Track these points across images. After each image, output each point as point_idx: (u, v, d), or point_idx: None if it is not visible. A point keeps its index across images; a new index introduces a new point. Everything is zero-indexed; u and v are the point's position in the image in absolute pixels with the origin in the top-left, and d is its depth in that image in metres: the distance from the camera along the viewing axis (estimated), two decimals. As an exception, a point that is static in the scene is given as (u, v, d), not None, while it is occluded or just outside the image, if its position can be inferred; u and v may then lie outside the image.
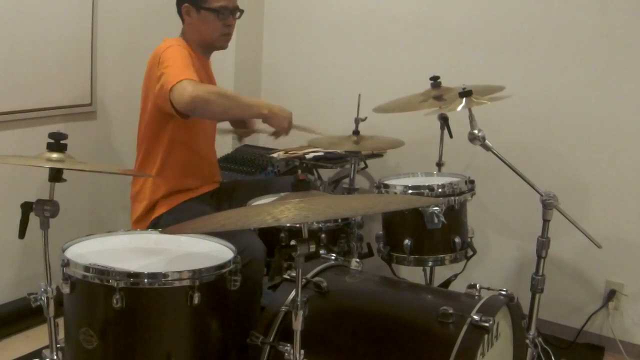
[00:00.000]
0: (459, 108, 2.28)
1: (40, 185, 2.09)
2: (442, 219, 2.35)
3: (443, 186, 2.42)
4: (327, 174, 3.37)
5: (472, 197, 2.50)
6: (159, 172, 2.43)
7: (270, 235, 2.39)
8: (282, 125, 2.45)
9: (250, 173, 3.18)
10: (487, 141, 2.22)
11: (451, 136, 2.79)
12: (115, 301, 1.65)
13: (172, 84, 2.16)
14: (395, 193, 2.45)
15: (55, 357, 1.79)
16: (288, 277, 1.95)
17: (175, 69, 2.22)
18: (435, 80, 2.74)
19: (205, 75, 2.52)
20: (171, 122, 2.39)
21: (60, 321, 1.81)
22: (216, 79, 2.69)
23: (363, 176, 3.41)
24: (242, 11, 2.52)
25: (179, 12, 2.50)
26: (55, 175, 1.76)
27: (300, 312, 1.57)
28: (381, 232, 2.54)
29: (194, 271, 1.72)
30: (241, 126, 2.84)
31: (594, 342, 3.01)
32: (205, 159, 2.57)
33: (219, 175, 2.71)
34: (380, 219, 2.57)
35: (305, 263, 1.61)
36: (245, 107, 2.41)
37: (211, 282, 1.75)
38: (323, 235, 2.49)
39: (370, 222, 2.91)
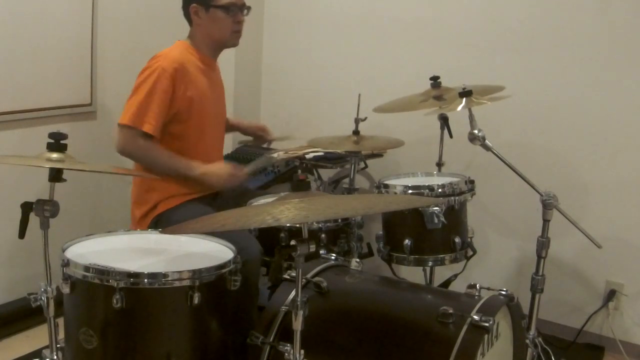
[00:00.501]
0: (459, 108, 2.28)
1: (40, 185, 2.09)
2: (442, 219, 2.35)
3: (443, 186, 2.42)
4: (327, 174, 3.37)
5: (472, 197, 2.50)
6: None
7: (270, 235, 2.39)
8: (218, 185, 2.45)
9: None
10: (487, 141, 2.22)
11: (451, 136, 2.79)
12: (115, 301, 1.65)
13: (125, 122, 2.32)
14: (395, 193, 2.45)
15: (55, 357, 1.80)
16: (288, 277, 1.95)
17: (132, 106, 2.31)
18: (435, 80, 2.74)
19: (207, 79, 2.49)
20: (169, 126, 2.39)
21: (60, 321, 1.81)
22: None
23: (363, 176, 3.41)
24: (249, 8, 2.52)
25: (187, 14, 2.49)
26: (55, 175, 1.76)
27: (300, 312, 1.57)
28: (381, 232, 2.54)
29: (194, 271, 1.72)
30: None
31: (594, 342, 3.01)
32: (208, 160, 2.54)
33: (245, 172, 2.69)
34: (380, 219, 2.57)
35: (305, 263, 1.60)
36: (169, 169, 2.38)
37: (211, 282, 1.75)
38: (323, 235, 2.49)
39: (370, 222, 2.91)
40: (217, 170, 2.42)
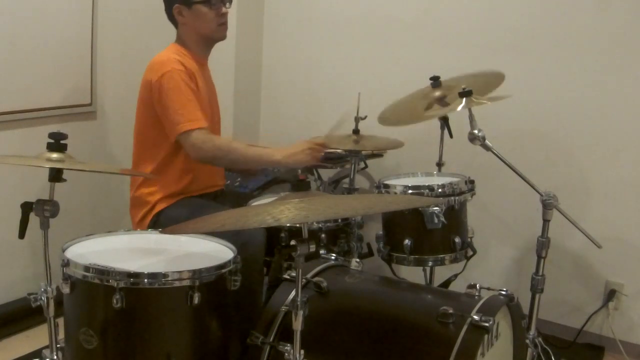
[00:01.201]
0: (459, 108, 2.27)
1: (40, 185, 2.09)
2: (442, 219, 2.35)
3: (443, 186, 2.42)
4: (327, 174, 3.37)
5: (472, 197, 2.50)
6: (156, 174, 2.42)
7: (270, 235, 2.39)
8: (304, 161, 2.40)
9: (250, 173, 3.17)
10: (487, 141, 2.22)
11: (451, 136, 2.78)
12: (115, 301, 1.65)
13: (184, 130, 2.28)
14: (395, 193, 2.45)
15: (55, 357, 1.80)
16: (288, 277, 1.95)
17: (184, 108, 2.29)
18: (435, 80, 2.74)
19: (202, 79, 2.49)
20: (161, 129, 2.40)
21: (60, 321, 1.81)
22: (217, 79, 2.69)
23: (363, 176, 3.41)
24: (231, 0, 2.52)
25: (170, 16, 2.49)
26: (55, 175, 1.76)
27: (300, 312, 1.57)
28: (381, 232, 2.54)
29: (194, 271, 1.72)
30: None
31: (594, 342, 3.01)
32: (204, 164, 2.54)
33: (222, 179, 2.69)
34: (380, 219, 2.57)
35: (305, 263, 1.60)
36: (252, 162, 2.41)
37: (211, 282, 1.75)
38: (323, 235, 2.49)
39: (370, 222, 2.91)
40: (295, 150, 2.38)
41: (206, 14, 2.44)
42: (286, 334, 1.77)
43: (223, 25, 2.50)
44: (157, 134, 2.42)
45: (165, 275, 1.69)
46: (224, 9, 2.48)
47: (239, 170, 2.84)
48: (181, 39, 2.51)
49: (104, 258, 1.78)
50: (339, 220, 2.54)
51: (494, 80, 2.62)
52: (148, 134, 2.43)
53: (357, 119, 2.66)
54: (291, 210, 1.46)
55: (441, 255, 2.43)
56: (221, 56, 2.77)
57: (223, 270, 1.79)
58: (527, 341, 2.23)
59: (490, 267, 3.15)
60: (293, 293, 1.68)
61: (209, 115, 2.50)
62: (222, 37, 2.54)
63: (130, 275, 1.68)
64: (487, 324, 1.70)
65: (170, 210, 2.42)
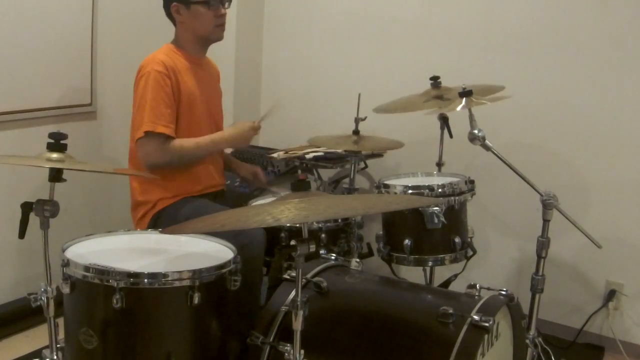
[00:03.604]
0: (459, 108, 2.27)
1: (40, 185, 2.09)
2: (442, 219, 2.35)
3: (443, 186, 2.42)
4: (327, 174, 3.37)
5: (472, 197, 2.50)
6: (155, 173, 2.42)
7: (270, 235, 2.39)
8: (245, 140, 2.56)
9: (245, 180, 3.17)
10: (487, 141, 2.22)
11: (451, 136, 2.78)
12: (115, 301, 1.65)
13: (137, 138, 2.32)
14: (395, 193, 2.45)
15: (55, 357, 1.80)
16: (288, 277, 1.95)
17: (143, 116, 2.32)
18: (435, 80, 2.74)
19: (194, 79, 2.48)
20: None
21: (60, 321, 1.81)
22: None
23: (363, 176, 3.41)
24: (230, 0, 2.51)
25: (169, 14, 2.49)
26: (55, 175, 1.76)
27: (300, 312, 1.57)
28: (381, 232, 2.54)
29: (194, 271, 1.72)
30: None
31: (594, 342, 3.01)
32: (204, 164, 2.53)
33: (223, 178, 2.69)
34: (380, 219, 2.57)
35: (305, 263, 1.61)
36: (206, 148, 2.46)
37: (211, 282, 1.75)
38: (323, 235, 2.49)
39: (370, 222, 2.91)
40: (237, 130, 2.53)
41: (204, 15, 2.44)
42: (286, 334, 1.77)
43: (221, 26, 2.50)
44: None
45: (165, 275, 1.69)
46: (222, 10, 2.48)
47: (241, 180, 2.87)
48: (177, 38, 2.51)
49: (104, 258, 1.78)
50: (339, 220, 2.54)
51: (494, 87, 2.63)
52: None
53: (357, 120, 2.66)
54: (291, 210, 1.46)
55: (441, 255, 2.43)
56: (221, 56, 2.77)
57: (223, 270, 1.79)
58: (527, 341, 2.23)
59: (490, 267, 3.16)
60: (293, 293, 1.68)
61: (201, 114, 2.50)
62: (219, 38, 2.54)
63: (130, 275, 1.68)
64: (487, 324, 1.70)
65: (170, 210, 2.42)
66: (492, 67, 3.07)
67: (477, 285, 1.92)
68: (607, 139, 2.91)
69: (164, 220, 2.39)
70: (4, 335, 2.78)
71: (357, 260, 2.30)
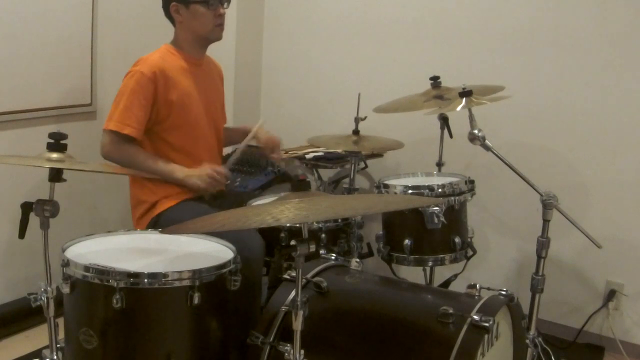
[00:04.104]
0: (459, 108, 2.27)
1: (40, 185, 2.09)
2: (442, 219, 2.35)
3: (443, 186, 2.42)
4: (327, 174, 3.37)
5: (472, 197, 2.50)
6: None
7: (270, 235, 2.39)
8: (200, 186, 2.40)
9: (250, 173, 3.18)
10: (487, 141, 2.22)
11: (451, 136, 2.79)
12: (115, 301, 1.65)
13: (103, 128, 2.38)
14: (395, 193, 2.45)
15: (55, 357, 1.79)
16: (288, 277, 1.95)
17: (115, 111, 2.37)
18: (435, 80, 2.74)
19: (192, 80, 2.48)
20: (158, 131, 2.40)
21: (60, 321, 1.81)
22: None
23: (363, 176, 3.41)
24: (229, 0, 2.51)
25: (168, 14, 2.49)
26: (55, 175, 1.76)
27: (300, 312, 1.57)
28: (381, 232, 2.54)
29: (194, 271, 1.72)
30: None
31: (594, 342, 3.01)
32: (195, 161, 2.50)
33: (227, 172, 2.68)
34: (380, 219, 2.57)
35: (305, 263, 1.60)
36: (154, 174, 2.41)
37: (211, 282, 1.75)
38: (323, 235, 2.49)
39: (370, 222, 2.91)
40: (197, 172, 2.41)
41: (203, 14, 2.44)
42: (286, 334, 1.77)
43: (220, 26, 2.50)
44: (154, 135, 2.42)
45: (165, 275, 1.69)
46: (221, 10, 2.48)
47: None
48: (176, 38, 2.51)
49: (104, 258, 1.78)
50: (339, 220, 2.54)
51: (494, 87, 2.63)
52: (144, 136, 2.42)
53: (357, 120, 2.66)
54: (291, 210, 1.46)
55: (441, 255, 2.43)
56: (221, 56, 2.77)
57: (223, 270, 1.79)
58: (527, 341, 2.23)
59: (490, 267, 3.16)
60: (293, 293, 1.68)
61: (198, 115, 2.49)
62: (218, 38, 2.54)
63: (130, 275, 1.68)
64: (487, 324, 1.70)
65: (170, 211, 2.42)
66: (492, 67, 3.07)
67: (477, 285, 1.92)
68: (607, 139, 2.91)
69: (164, 221, 2.39)
70: (4, 335, 2.78)
71: (357, 260, 2.30)
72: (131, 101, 2.34)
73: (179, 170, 2.41)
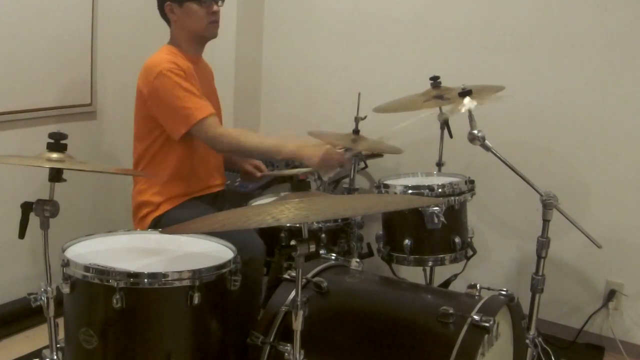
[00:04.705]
0: (464, 110, 2.26)
1: (40, 185, 2.09)
2: (442, 219, 2.35)
3: (443, 186, 2.42)
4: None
5: (472, 197, 2.50)
6: (156, 174, 2.43)
7: (271, 235, 2.39)
8: (314, 161, 2.29)
9: (246, 172, 3.17)
10: (487, 141, 2.22)
11: (451, 136, 2.79)
12: (115, 301, 1.65)
13: (197, 119, 2.29)
14: (395, 193, 2.45)
15: (55, 357, 1.79)
16: (288, 277, 1.95)
17: (189, 101, 2.30)
18: (435, 80, 2.74)
19: (197, 77, 2.48)
20: (161, 129, 2.40)
21: (60, 321, 1.81)
22: (217, 79, 2.69)
23: (363, 176, 3.41)
24: None
25: (163, 14, 2.49)
26: (55, 175, 1.76)
27: (300, 312, 1.57)
28: (381, 232, 2.54)
29: (194, 271, 1.72)
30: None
31: (594, 342, 3.01)
32: (204, 164, 2.53)
33: (223, 179, 2.68)
34: (380, 219, 2.57)
35: (305, 263, 1.60)
36: (266, 153, 2.38)
37: (211, 282, 1.75)
38: (323, 235, 2.49)
39: (370, 222, 2.91)
40: (312, 147, 2.33)
41: (197, 12, 2.44)
42: (286, 334, 1.77)
43: (214, 23, 2.50)
44: (156, 136, 2.42)
45: (165, 275, 1.69)
46: (215, 7, 2.48)
47: (242, 175, 2.85)
48: (174, 38, 2.51)
49: (104, 258, 1.78)
50: (339, 220, 2.54)
51: (494, 87, 2.63)
52: (146, 135, 2.42)
53: (357, 119, 2.66)
54: (291, 210, 1.46)
55: (441, 255, 2.43)
56: (221, 56, 2.78)
57: (223, 270, 1.79)
58: (527, 341, 2.23)
59: (490, 267, 3.16)
60: (293, 293, 1.68)
61: None
62: (213, 36, 2.54)
63: (130, 275, 1.68)
64: (487, 324, 1.70)
65: (171, 212, 2.42)
66: (492, 67, 3.07)
67: (477, 285, 1.92)
68: (607, 139, 2.91)
69: (165, 222, 2.39)
70: (4, 335, 2.79)
71: (357, 260, 2.30)
72: (185, 92, 2.31)
73: (287, 145, 2.31)
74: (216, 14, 2.48)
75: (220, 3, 2.50)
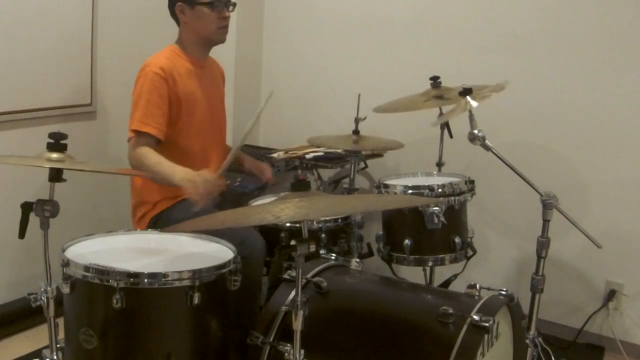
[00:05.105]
0: (468, 110, 2.25)
1: (40, 185, 2.09)
2: (442, 219, 2.35)
3: (443, 186, 2.42)
4: (327, 174, 3.37)
5: (472, 197, 2.50)
6: None
7: (271, 236, 2.39)
8: (194, 191, 2.14)
9: (250, 173, 3.17)
10: (487, 141, 2.22)
11: (451, 136, 2.79)
12: (115, 301, 1.65)
13: (132, 128, 2.32)
14: (395, 193, 2.45)
15: (55, 357, 1.79)
16: (288, 277, 1.95)
17: (135, 116, 2.33)
18: (435, 80, 2.74)
19: (196, 81, 2.49)
20: (172, 132, 2.40)
21: (60, 321, 1.81)
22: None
23: (363, 176, 3.41)
24: (234, 4, 2.52)
25: (173, 14, 2.50)
26: (55, 175, 1.76)
27: (300, 312, 1.57)
28: (381, 232, 2.54)
29: (194, 271, 1.72)
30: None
31: (594, 342, 3.01)
32: (204, 164, 2.53)
33: (223, 179, 2.68)
34: (380, 219, 2.57)
35: (305, 263, 1.60)
36: (158, 177, 2.28)
37: (211, 282, 1.75)
38: (323, 235, 2.49)
39: (370, 222, 2.91)
40: (192, 177, 2.17)
41: (208, 16, 2.45)
42: (286, 334, 1.77)
43: (224, 28, 2.50)
44: (166, 139, 2.41)
45: (165, 275, 1.69)
46: (226, 13, 2.48)
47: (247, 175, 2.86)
48: (181, 39, 2.52)
49: (104, 258, 1.78)
50: (339, 220, 2.54)
51: (494, 88, 2.62)
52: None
53: (357, 120, 2.66)
54: (291, 209, 1.46)
55: (441, 255, 2.43)
56: (221, 56, 2.77)
57: (223, 270, 1.79)
58: (527, 341, 2.23)
59: (490, 267, 3.16)
60: (293, 293, 1.68)
61: (203, 116, 2.49)
62: (222, 41, 2.55)
63: (130, 275, 1.68)
64: (487, 324, 1.70)
65: (170, 211, 2.42)
66: (492, 67, 3.07)
67: (477, 285, 1.92)
68: (607, 139, 2.91)
69: (163, 221, 2.39)
70: (4, 335, 2.78)
71: (357, 260, 2.30)
72: (148, 100, 2.33)
73: (176, 173, 2.22)
74: (226, 19, 2.49)
75: (231, 8, 2.50)
